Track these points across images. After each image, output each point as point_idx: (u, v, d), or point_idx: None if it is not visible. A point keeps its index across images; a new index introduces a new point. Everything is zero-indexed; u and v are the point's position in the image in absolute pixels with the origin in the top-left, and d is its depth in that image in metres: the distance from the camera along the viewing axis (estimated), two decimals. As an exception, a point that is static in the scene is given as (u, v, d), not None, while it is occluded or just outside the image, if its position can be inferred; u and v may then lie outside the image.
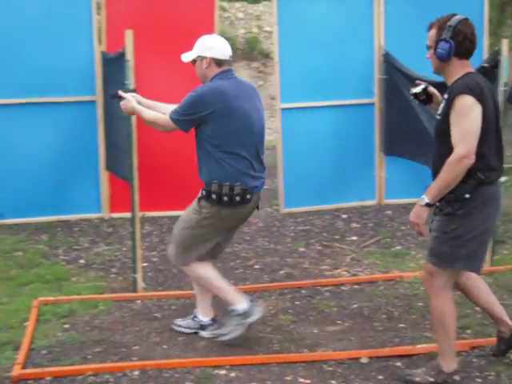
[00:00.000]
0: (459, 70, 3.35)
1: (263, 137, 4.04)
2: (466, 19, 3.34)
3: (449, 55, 3.32)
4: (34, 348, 3.95)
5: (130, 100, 4.09)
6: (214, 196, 3.83)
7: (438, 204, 3.40)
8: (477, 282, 3.72)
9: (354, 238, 6.23)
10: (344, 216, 6.87)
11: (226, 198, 3.82)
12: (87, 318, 4.31)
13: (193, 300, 4.66)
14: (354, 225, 6.61)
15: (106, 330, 4.15)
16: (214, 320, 4.18)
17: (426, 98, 3.73)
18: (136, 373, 3.66)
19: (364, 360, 3.83)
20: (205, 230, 3.94)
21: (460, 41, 3.30)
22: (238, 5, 13.10)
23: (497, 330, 3.80)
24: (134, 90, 4.40)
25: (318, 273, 5.35)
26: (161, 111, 4.07)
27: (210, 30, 6.62)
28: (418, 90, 3.71)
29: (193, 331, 4.15)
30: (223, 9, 11.80)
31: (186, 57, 4.04)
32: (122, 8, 6.57)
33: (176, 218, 6.65)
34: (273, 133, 11.13)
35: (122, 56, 4.86)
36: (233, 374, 3.67)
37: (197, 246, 3.97)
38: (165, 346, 3.99)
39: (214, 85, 3.88)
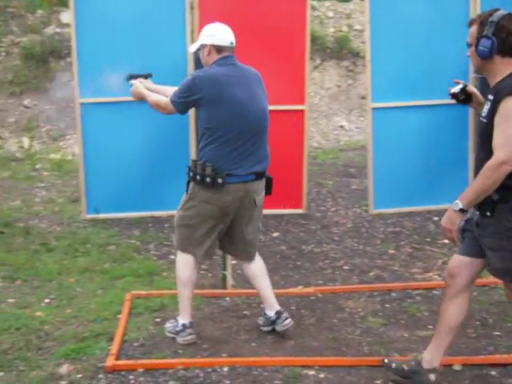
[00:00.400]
0: (503, 68, 3.15)
1: (262, 125, 3.97)
2: (510, 14, 3.14)
3: (491, 53, 3.12)
4: (126, 340, 4.06)
5: (138, 86, 4.28)
6: (190, 173, 3.92)
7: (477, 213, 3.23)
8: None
9: (446, 241, 6.05)
10: (435, 218, 6.71)
11: (198, 177, 3.86)
12: (177, 313, 4.38)
13: (282, 298, 4.69)
14: (445, 228, 6.44)
15: (196, 325, 4.20)
16: (278, 313, 4.14)
17: (465, 97, 3.55)
18: (225, 369, 3.70)
19: (457, 367, 3.74)
20: (191, 213, 3.97)
21: (503, 37, 3.10)
22: (328, 3, 13.00)
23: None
24: (146, 76, 4.46)
25: (409, 276, 5.25)
26: (167, 95, 4.11)
27: (302, 29, 6.64)
28: (456, 89, 3.54)
29: (270, 328, 4.16)
30: (313, 7, 11.74)
31: (192, 47, 4.12)
32: (215, 8, 6.65)
33: (265, 216, 6.73)
34: (362, 132, 11.10)
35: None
36: (322, 375, 3.66)
37: (189, 235, 3.99)
38: (254, 344, 4.01)
39: (208, 71, 3.94)
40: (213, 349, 3.95)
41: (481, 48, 3.13)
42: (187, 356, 3.84)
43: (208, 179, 3.83)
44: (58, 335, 4.13)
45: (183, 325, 4.04)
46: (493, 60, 3.15)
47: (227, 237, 4.12)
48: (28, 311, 4.50)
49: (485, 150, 3.16)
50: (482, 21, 3.15)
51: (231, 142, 3.84)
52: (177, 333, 4.04)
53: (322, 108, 11.70)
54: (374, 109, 6.77)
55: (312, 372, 3.68)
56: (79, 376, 3.63)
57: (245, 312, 4.51)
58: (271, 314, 4.14)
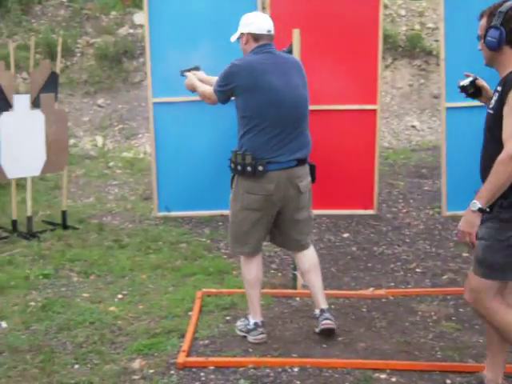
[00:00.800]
0: (505, 60, 3.04)
1: (299, 113, 3.90)
2: None
3: (499, 43, 3.00)
4: (197, 337, 4.09)
5: (191, 77, 4.31)
6: (232, 165, 3.90)
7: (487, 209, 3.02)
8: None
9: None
10: (511, 221, 6.52)
11: (239, 167, 3.84)
12: (248, 312, 4.39)
13: (352, 300, 4.65)
14: (521, 231, 6.25)
15: (267, 324, 4.20)
16: (321, 311, 4.09)
17: (474, 91, 3.45)
18: (296, 369, 3.68)
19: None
20: (236, 208, 3.99)
21: (511, 28, 2.98)
22: (400, 1, 12.81)
23: None
24: (197, 68, 4.45)
25: (483, 279, 5.11)
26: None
27: (374, 28, 6.58)
28: (465, 82, 3.44)
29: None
30: (385, 6, 11.59)
31: (233, 37, 4.09)
32: (286, 8, 6.65)
33: (336, 216, 6.67)
34: (434, 132, 10.90)
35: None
36: (393, 379, 3.59)
37: (236, 232, 4.02)
38: (324, 345, 3.98)
39: (244, 59, 3.93)
40: (283, 349, 3.93)
41: (489, 39, 3.02)
42: (258, 355, 3.84)
43: (249, 168, 3.81)
44: (130, 330, 4.19)
45: (255, 323, 4.04)
46: (502, 51, 3.05)
47: (276, 228, 4.08)
48: (102, 306, 4.59)
49: (493, 143, 3.03)
50: (492, 12, 3.05)
51: (268, 129, 3.82)
52: (248, 331, 4.05)
53: (394, 108, 11.55)
54: (448, 108, 6.64)
55: (383, 375, 3.62)
56: (151, 371, 3.67)
57: (315, 312, 4.48)
58: (316, 311, 4.12)
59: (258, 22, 3.96)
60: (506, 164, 2.92)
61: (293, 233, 4.07)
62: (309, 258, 4.14)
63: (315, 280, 4.13)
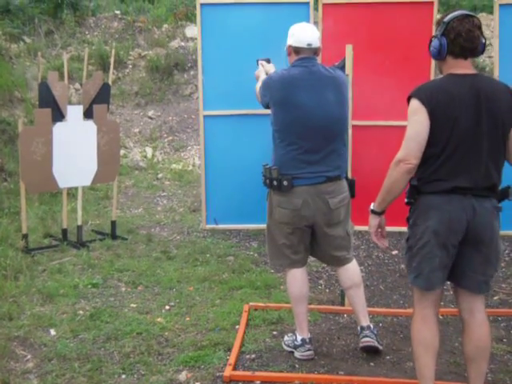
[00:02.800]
0: (451, 69, 3.09)
1: (330, 131, 3.82)
2: (465, 15, 3.04)
3: (440, 53, 3.08)
4: (244, 351, 4.08)
5: (261, 69, 4.28)
6: (263, 179, 3.93)
7: None
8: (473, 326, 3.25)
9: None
10: None
11: (267, 181, 3.87)
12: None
13: (401, 318, 4.58)
14: None
15: (314, 340, 4.17)
16: (361, 328, 4.04)
17: None
18: (343, 387, 3.64)
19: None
20: (270, 223, 4.03)
21: (452, 38, 3.03)
22: (453, 17, 12.72)
23: None
24: (267, 60, 4.44)
25: (535, 302, 5.00)
26: None
27: (427, 42, 6.51)
28: None
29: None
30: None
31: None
32: (338, 22, 6.64)
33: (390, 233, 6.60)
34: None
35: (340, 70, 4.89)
36: (442, 400, 3.52)
37: (272, 246, 4.05)
38: (372, 364, 3.92)
39: (280, 72, 3.92)
40: (330, 365, 3.90)
41: (431, 48, 3.11)
42: (304, 371, 3.81)
43: (275, 182, 3.85)
44: (177, 342, 4.21)
45: (302, 340, 4.00)
46: (446, 61, 3.12)
47: (315, 242, 4.04)
48: (149, 317, 4.62)
49: None
50: (438, 21, 3.12)
51: (295, 146, 3.81)
52: (295, 347, 4.02)
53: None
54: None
55: (432, 396, 3.55)
56: (197, 384, 3.68)
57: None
58: (358, 328, 4.06)
59: (299, 34, 3.92)
60: (391, 169, 3.09)
61: (329, 248, 4.01)
62: (350, 274, 4.06)
63: (356, 297, 4.06)
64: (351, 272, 4.06)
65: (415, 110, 3.06)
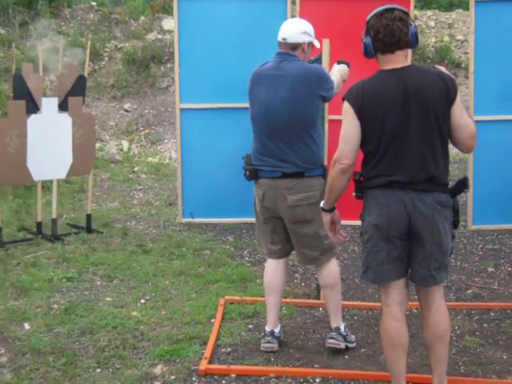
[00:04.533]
0: (384, 66, 3.16)
1: (283, 127, 3.80)
2: (385, 10, 3.11)
3: (367, 53, 3.18)
4: (219, 345, 4.08)
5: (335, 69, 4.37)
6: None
7: None
8: (429, 316, 3.29)
9: (547, 261, 5.83)
10: (538, 237, 6.46)
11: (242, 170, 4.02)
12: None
13: (375, 312, 4.61)
14: (548, 247, 6.20)
15: (289, 334, 4.19)
16: (330, 329, 4.06)
17: None
18: (318, 380, 3.66)
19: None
20: (254, 210, 4.12)
21: (373, 36, 3.11)
22: (429, 13, 12.79)
23: None
24: (344, 62, 4.48)
25: (508, 295, 5.05)
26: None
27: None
28: None
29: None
30: (414, 17, 11.54)
31: None
32: (315, 16, 6.63)
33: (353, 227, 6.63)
34: (460, 145, 10.82)
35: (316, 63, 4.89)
36: (416, 393, 3.56)
37: (257, 233, 4.18)
38: (347, 357, 3.95)
39: (257, 66, 4.02)
40: (305, 359, 3.91)
41: (363, 49, 3.19)
42: (280, 364, 3.82)
43: (243, 171, 4.01)
44: (152, 336, 4.20)
45: (264, 331, 4.05)
46: (377, 58, 3.19)
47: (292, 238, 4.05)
48: (124, 311, 4.60)
49: None
50: (366, 21, 3.18)
51: (258, 138, 3.92)
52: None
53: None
54: (476, 122, 6.57)
55: (405, 388, 3.59)
56: (173, 377, 3.67)
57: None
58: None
59: (280, 29, 3.96)
60: (331, 168, 3.20)
61: (299, 246, 4.01)
62: (324, 275, 4.03)
63: (328, 297, 4.06)
64: (325, 273, 4.02)
65: (345, 112, 3.15)
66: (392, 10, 3.10)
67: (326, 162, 4.30)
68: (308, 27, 3.98)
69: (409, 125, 3.05)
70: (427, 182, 3.08)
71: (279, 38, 3.92)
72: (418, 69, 3.24)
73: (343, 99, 3.18)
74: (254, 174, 3.95)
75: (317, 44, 4.08)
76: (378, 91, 3.09)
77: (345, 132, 3.14)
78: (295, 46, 3.91)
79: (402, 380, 3.26)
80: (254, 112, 3.94)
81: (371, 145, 3.12)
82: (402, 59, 3.15)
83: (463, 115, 3.12)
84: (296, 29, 3.92)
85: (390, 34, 3.07)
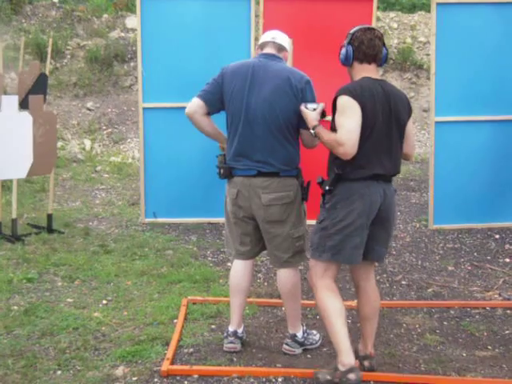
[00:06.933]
0: (358, 73, 3.54)
1: (265, 128, 3.78)
2: (368, 28, 3.56)
3: (346, 60, 3.56)
4: (182, 345, 4.06)
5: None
6: None
7: None
8: (369, 291, 3.75)
9: (508, 260, 5.93)
10: (497, 236, 6.56)
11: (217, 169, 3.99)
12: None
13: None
14: (507, 246, 6.29)
15: (252, 334, 4.19)
16: (287, 336, 4.10)
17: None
18: (280, 379, 3.66)
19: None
20: (225, 210, 4.08)
21: (356, 46, 3.51)
22: (392, 14, 12.90)
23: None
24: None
25: (468, 294, 5.13)
26: None
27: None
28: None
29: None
30: (377, 18, 11.64)
31: None
32: (278, 16, 6.66)
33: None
34: (423, 146, 10.97)
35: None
36: (377, 391, 3.59)
37: (226, 233, 4.13)
38: (309, 356, 3.97)
39: (233, 63, 3.99)
40: (268, 358, 3.92)
41: (341, 56, 3.58)
42: (242, 364, 3.82)
43: (217, 169, 3.97)
44: (114, 337, 4.16)
45: (226, 331, 4.05)
46: (353, 66, 3.58)
47: (264, 238, 4.03)
48: (86, 312, 4.56)
49: None
50: (347, 34, 3.58)
51: (233, 136, 3.88)
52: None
53: (382, 119, 11.59)
54: (437, 122, 6.68)
55: (367, 387, 3.62)
56: (134, 379, 3.64)
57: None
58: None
59: (266, 33, 4.04)
60: (334, 146, 3.40)
61: (271, 247, 3.98)
62: (281, 282, 4.00)
63: (285, 303, 4.07)
64: (282, 281, 3.99)
65: (350, 105, 3.40)
66: (374, 29, 3.59)
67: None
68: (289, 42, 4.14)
69: (390, 127, 3.51)
70: (393, 175, 3.61)
71: (267, 39, 3.95)
72: (391, 84, 3.71)
73: (339, 94, 3.44)
74: (228, 173, 3.91)
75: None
76: (373, 93, 3.45)
77: (355, 124, 3.37)
78: (281, 48, 3.97)
79: (348, 340, 3.51)
80: (232, 110, 3.85)
81: (360, 139, 3.40)
82: (376, 71, 3.60)
83: (412, 127, 3.72)
84: (284, 36, 4.03)
85: (372, 47, 3.52)
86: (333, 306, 3.51)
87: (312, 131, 3.55)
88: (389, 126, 3.49)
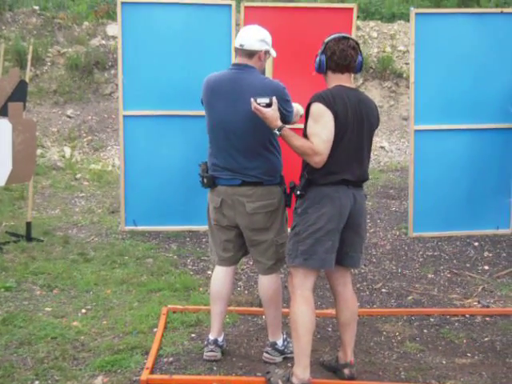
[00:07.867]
0: (332, 82, 3.63)
1: (244, 139, 3.79)
2: (342, 37, 3.61)
3: (320, 69, 3.64)
4: (161, 354, 4.05)
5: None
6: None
7: None
8: (347, 296, 3.78)
9: (486, 267, 5.97)
10: (476, 244, 6.60)
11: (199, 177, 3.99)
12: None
13: (318, 319, 4.62)
14: (486, 254, 6.33)
15: (232, 342, 4.18)
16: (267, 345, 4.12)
17: None
18: (261, 388, 3.66)
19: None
20: (208, 216, 4.10)
21: (328, 55, 3.59)
22: (372, 23, 12.97)
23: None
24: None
25: (448, 301, 5.16)
26: None
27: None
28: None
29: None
30: (357, 27, 11.70)
31: None
32: (260, 25, 6.66)
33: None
34: (402, 154, 11.02)
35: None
36: (358, 399, 3.59)
37: (210, 241, 4.14)
38: (289, 364, 3.95)
39: (211, 75, 3.98)
40: (248, 367, 3.91)
41: (315, 64, 3.66)
42: (222, 373, 3.81)
43: (200, 178, 3.96)
44: (93, 346, 4.13)
45: (207, 339, 4.04)
46: (327, 75, 3.67)
47: (248, 245, 4.03)
48: (64, 321, 4.52)
49: None
50: (322, 43, 3.65)
51: (215, 147, 3.90)
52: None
53: (363, 128, 11.63)
54: (416, 131, 6.72)
55: (347, 396, 3.63)
56: (113, 388, 3.62)
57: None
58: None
59: (238, 35, 3.89)
60: (309, 154, 3.47)
61: (255, 254, 3.99)
62: (263, 288, 4.01)
63: (265, 311, 4.08)
64: (265, 287, 4.00)
65: (323, 113, 3.48)
66: (348, 38, 3.63)
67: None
68: (266, 35, 3.93)
69: (361, 135, 3.60)
70: (363, 181, 3.71)
71: (236, 44, 3.86)
72: (362, 92, 3.84)
73: (312, 103, 3.52)
74: (211, 182, 3.91)
75: (273, 53, 3.98)
76: (346, 101, 3.52)
77: (328, 132, 3.46)
78: (252, 54, 3.84)
79: (308, 357, 3.58)
80: (211, 124, 3.88)
81: (331, 148, 3.49)
82: (349, 80, 3.68)
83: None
84: (254, 36, 3.85)
85: (343, 57, 3.58)
86: (304, 321, 3.55)
87: (277, 132, 3.52)
88: (360, 134, 3.58)
